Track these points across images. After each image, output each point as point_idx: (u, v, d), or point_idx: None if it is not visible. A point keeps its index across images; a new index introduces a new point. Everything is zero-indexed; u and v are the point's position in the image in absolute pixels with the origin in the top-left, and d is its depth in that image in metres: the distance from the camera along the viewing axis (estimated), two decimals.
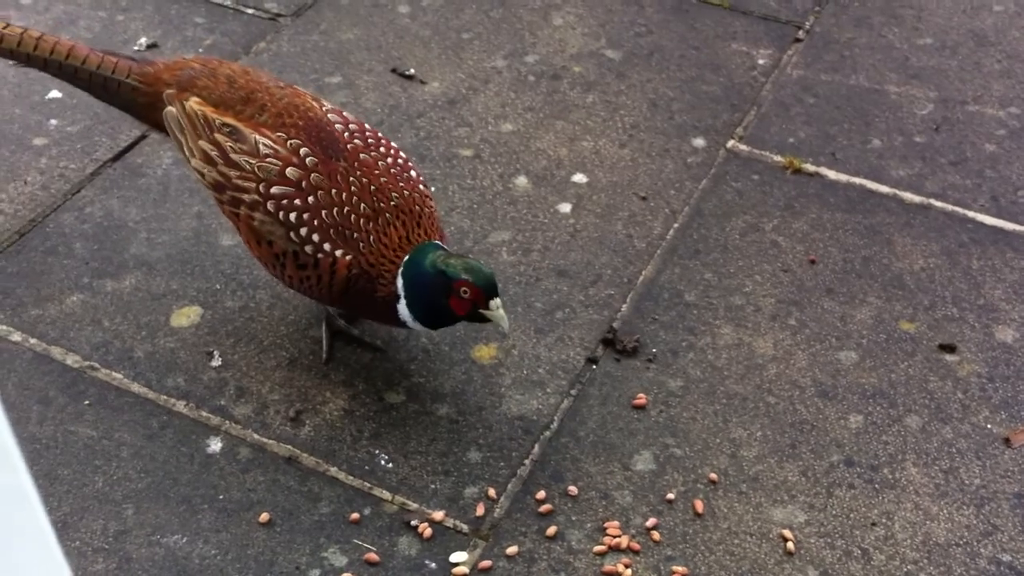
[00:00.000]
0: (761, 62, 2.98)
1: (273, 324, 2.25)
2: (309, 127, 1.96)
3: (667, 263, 2.40)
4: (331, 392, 2.13)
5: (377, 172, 1.94)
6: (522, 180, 2.60)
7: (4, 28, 2.13)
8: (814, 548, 1.88)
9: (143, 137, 2.69)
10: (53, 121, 2.73)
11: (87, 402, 2.09)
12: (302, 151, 1.92)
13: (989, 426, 2.08)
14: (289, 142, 1.93)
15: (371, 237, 1.90)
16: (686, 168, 2.65)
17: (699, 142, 2.72)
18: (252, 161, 1.92)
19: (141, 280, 2.34)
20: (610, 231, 2.48)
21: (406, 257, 1.91)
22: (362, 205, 1.91)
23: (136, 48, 2.98)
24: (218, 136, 1.95)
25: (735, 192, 2.59)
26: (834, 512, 1.94)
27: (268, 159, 1.92)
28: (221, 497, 1.94)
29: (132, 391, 2.12)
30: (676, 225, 2.49)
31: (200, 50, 2.98)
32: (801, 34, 3.08)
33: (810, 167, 2.65)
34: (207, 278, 2.35)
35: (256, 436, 2.04)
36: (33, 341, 2.21)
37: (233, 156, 1.94)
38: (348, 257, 1.90)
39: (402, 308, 1.93)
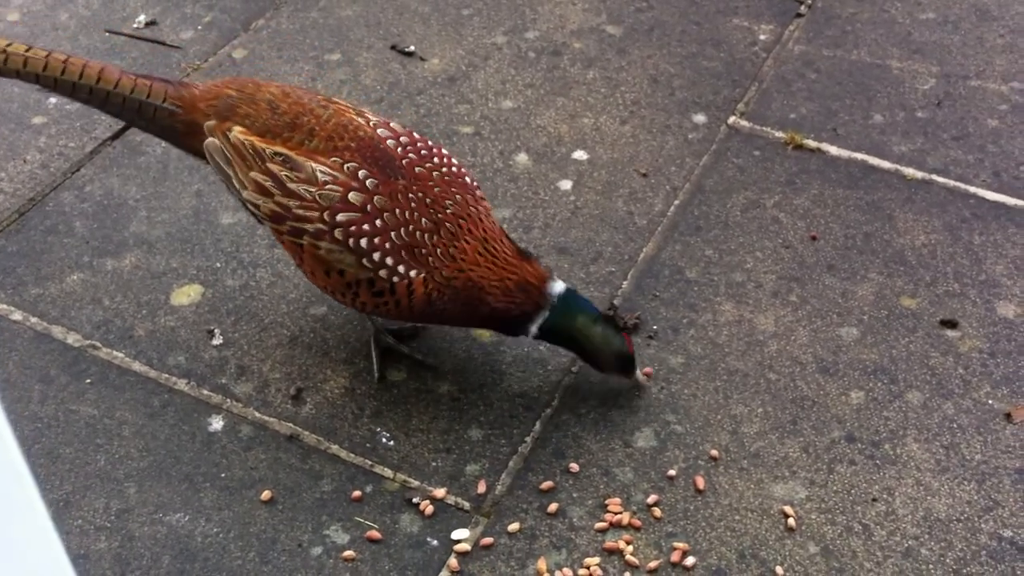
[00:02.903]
0: (762, 37, 2.97)
1: (274, 302, 2.25)
2: (362, 148, 1.90)
3: (668, 240, 2.40)
4: (332, 370, 2.13)
5: (431, 183, 1.90)
6: (522, 157, 2.59)
7: (27, 51, 1.98)
8: (815, 524, 1.89)
9: None
10: (52, 100, 2.73)
11: (88, 381, 2.09)
12: (360, 174, 1.86)
13: (991, 402, 2.08)
14: (346, 166, 1.87)
15: (438, 250, 1.88)
16: (687, 144, 2.64)
17: (700, 118, 2.71)
18: (312, 190, 1.85)
19: (141, 259, 2.34)
20: (611, 208, 2.47)
21: (555, 300, 1.97)
22: (423, 220, 1.87)
23: (135, 25, 2.97)
24: (271, 166, 1.88)
25: (736, 168, 2.58)
26: (835, 488, 1.94)
27: (328, 186, 1.85)
28: (223, 475, 1.95)
29: (133, 370, 2.12)
30: (677, 202, 2.49)
31: (199, 27, 2.97)
32: (803, 9, 3.06)
33: (811, 143, 2.64)
34: (207, 256, 2.35)
35: (257, 414, 2.05)
36: (34, 320, 2.21)
37: (291, 186, 1.87)
38: (422, 276, 1.87)
39: (534, 328, 1.99)
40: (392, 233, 1.86)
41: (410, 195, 1.88)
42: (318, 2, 3.06)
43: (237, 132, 1.92)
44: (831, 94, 2.79)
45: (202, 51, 2.90)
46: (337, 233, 1.85)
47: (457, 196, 1.91)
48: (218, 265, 2.33)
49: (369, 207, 1.85)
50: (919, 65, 2.88)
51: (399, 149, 1.92)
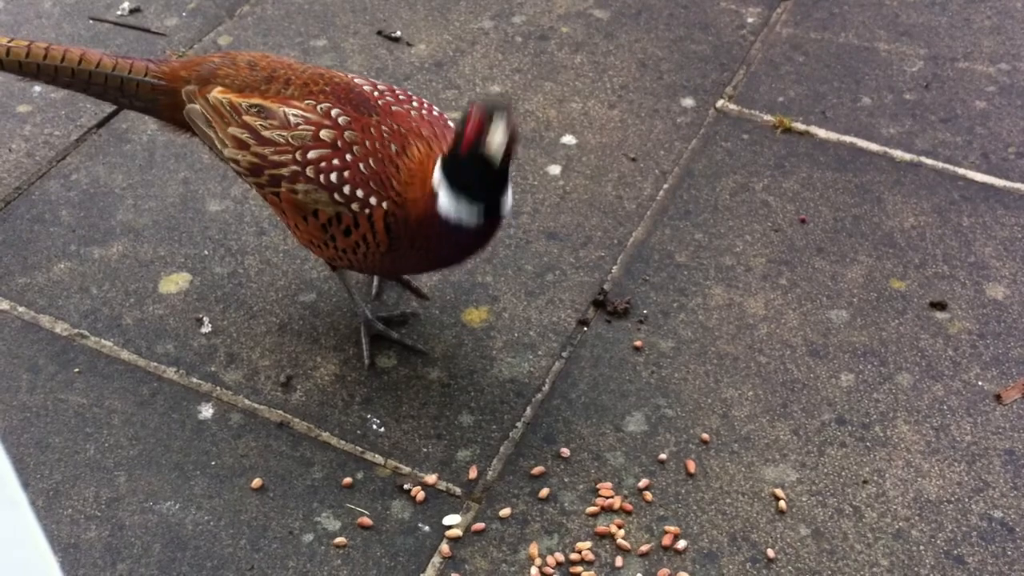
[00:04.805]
0: (750, 20, 2.96)
1: (262, 290, 2.24)
2: (338, 91, 1.92)
3: (657, 224, 2.39)
4: (321, 357, 2.12)
5: (409, 119, 1.90)
6: None
7: (9, 42, 2.04)
8: (806, 506, 1.89)
9: None
10: (37, 88, 2.70)
11: (77, 370, 2.08)
12: (333, 112, 1.88)
13: (980, 383, 2.08)
14: (319, 107, 1.88)
15: (400, 171, 1.85)
16: (676, 128, 2.64)
17: (688, 102, 2.71)
18: (285, 133, 1.87)
19: (128, 247, 2.33)
20: (600, 193, 2.46)
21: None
22: (392, 146, 1.86)
23: (119, 13, 2.95)
24: (247, 118, 1.90)
25: (725, 152, 2.57)
26: (826, 470, 1.94)
27: (300, 127, 1.87)
28: (213, 463, 1.94)
29: (122, 358, 2.11)
30: (666, 186, 2.48)
31: (184, 14, 2.95)
32: None
33: (800, 126, 2.64)
34: (195, 244, 2.34)
35: (247, 402, 2.04)
36: (21, 309, 2.19)
37: (265, 134, 1.88)
38: (384, 204, 1.84)
39: (443, 198, 1.79)
40: (360, 164, 1.85)
41: (383, 127, 1.87)
42: None
43: (216, 93, 1.94)
44: (819, 77, 2.78)
45: (187, 38, 2.88)
46: (309, 171, 1.86)
47: (436, 131, 1.90)
48: (206, 253, 2.32)
49: (340, 143, 1.86)
50: (907, 47, 2.88)
51: (375, 93, 1.93)
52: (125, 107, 2.13)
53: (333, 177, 1.85)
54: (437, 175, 1.80)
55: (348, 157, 1.85)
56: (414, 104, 1.94)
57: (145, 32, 2.90)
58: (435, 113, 1.95)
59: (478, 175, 1.77)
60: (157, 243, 2.34)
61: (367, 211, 1.85)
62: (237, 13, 2.97)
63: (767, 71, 2.80)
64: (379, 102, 1.91)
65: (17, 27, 2.88)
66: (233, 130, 1.91)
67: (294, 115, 1.88)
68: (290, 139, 1.87)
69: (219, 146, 1.95)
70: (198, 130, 1.99)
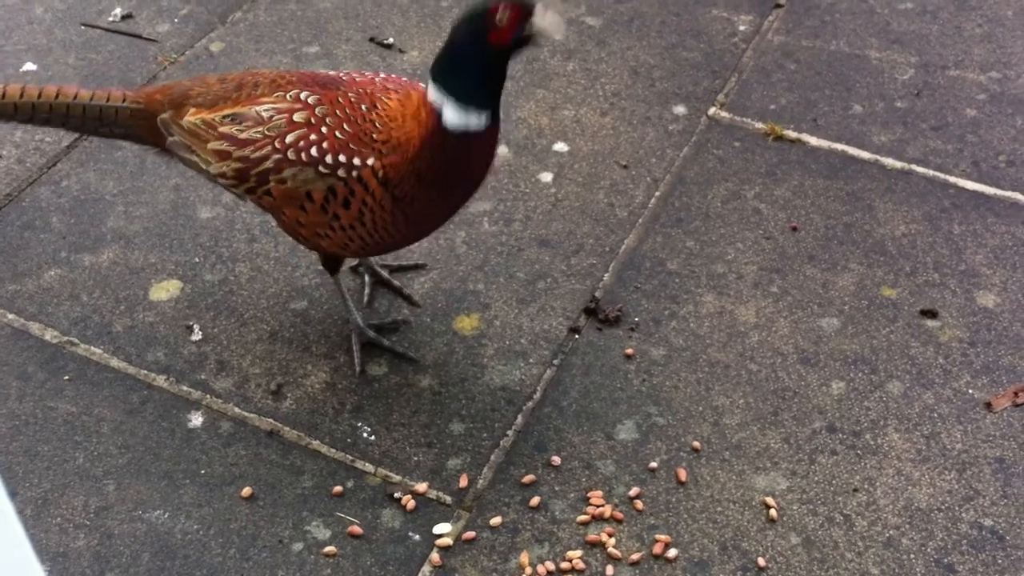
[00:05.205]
0: (742, 28, 2.97)
1: (253, 297, 2.24)
2: (304, 78, 1.96)
3: (649, 232, 2.39)
4: (312, 365, 2.12)
5: (373, 84, 1.94)
6: (503, 149, 2.58)
7: None
8: (796, 515, 1.89)
9: None
10: None
11: (66, 378, 2.08)
12: (302, 95, 1.92)
13: (971, 391, 2.08)
14: (288, 95, 1.93)
15: (376, 124, 1.87)
16: (667, 136, 2.64)
17: (680, 110, 2.71)
18: (261, 129, 1.91)
19: (119, 254, 2.32)
20: (592, 200, 2.46)
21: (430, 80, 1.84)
22: (362, 106, 1.89)
23: (111, 19, 2.94)
24: (222, 129, 1.94)
25: (717, 160, 2.58)
26: (816, 479, 1.94)
27: (274, 119, 1.90)
28: (203, 472, 1.93)
29: (112, 366, 2.10)
30: (658, 193, 2.49)
31: (176, 20, 2.95)
32: None
33: (791, 134, 2.64)
34: (186, 251, 2.33)
35: (237, 410, 2.03)
36: (11, 317, 2.19)
37: (243, 136, 1.92)
38: (370, 160, 1.86)
39: (448, 114, 1.80)
40: (336, 132, 1.88)
41: (350, 95, 1.91)
42: None
43: (189, 117, 1.97)
44: (811, 85, 2.79)
45: (179, 44, 2.88)
46: (291, 154, 1.89)
47: (401, 87, 1.93)
48: (197, 260, 2.31)
49: (313, 119, 1.89)
50: (898, 55, 2.89)
51: (342, 75, 1.97)
52: (105, 136, 2.15)
53: (314, 151, 1.88)
54: (434, 95, 1.81)
55: (323, 129, 1.89)
56: (380, 76, 1.98)
57: (137, 38, 2.89)
58: (403, 80, 1.98)
59: (490, 72, 1.80)
60: (148, 250, 2.33)
61: (355, 173, 1.87)
62: (229, 20, 2.96)
63: (759, 79, 2.80)
64: (345, 78, 1.96)
65: (8, 33, 2.87)
66: (212, 145, 1.94)
67: (266, 110, 1.92)
68: (267, 132, 1.91)
69: (204, 167, 1.98)
70: (183, 160, 2.03)
